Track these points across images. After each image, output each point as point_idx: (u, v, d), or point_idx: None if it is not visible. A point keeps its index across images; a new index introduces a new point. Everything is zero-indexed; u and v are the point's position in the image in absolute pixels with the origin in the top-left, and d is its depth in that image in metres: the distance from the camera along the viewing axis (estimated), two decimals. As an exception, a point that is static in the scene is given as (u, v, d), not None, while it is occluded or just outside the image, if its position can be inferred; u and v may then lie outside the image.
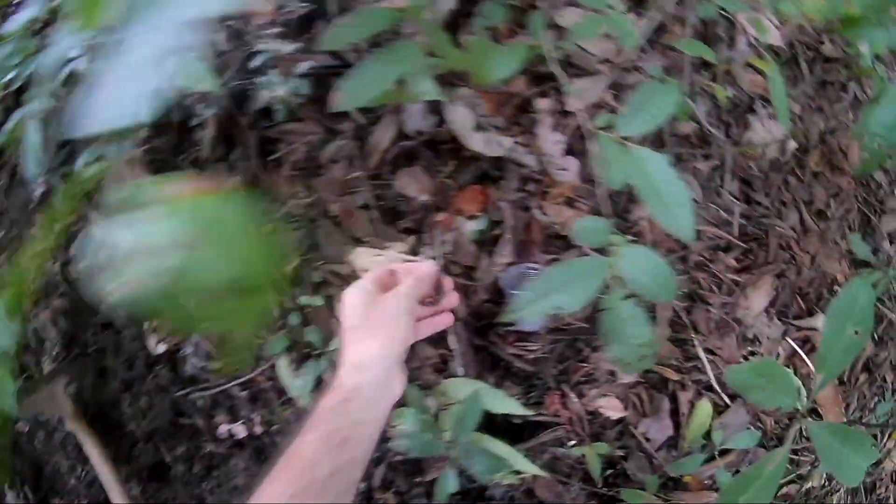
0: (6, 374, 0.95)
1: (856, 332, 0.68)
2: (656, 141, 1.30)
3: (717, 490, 1.21)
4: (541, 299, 0.75)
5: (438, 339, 1.18)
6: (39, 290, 1.37)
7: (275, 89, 1.16)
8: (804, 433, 1.18)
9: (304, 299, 1.18)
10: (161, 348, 1.30)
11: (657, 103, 0.82)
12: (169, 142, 1.31)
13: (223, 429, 1.28)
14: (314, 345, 1.16)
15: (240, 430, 1.26)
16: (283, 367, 1.19)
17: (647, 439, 1.21)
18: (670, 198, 0.79)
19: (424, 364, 1.18)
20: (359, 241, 1.20)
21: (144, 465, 1.37)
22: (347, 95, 0.87)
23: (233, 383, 1.25)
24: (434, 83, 0.98)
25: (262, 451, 1.26)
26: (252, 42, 1.19)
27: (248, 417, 1.26)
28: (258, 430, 1.25)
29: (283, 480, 0.58)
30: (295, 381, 1.17)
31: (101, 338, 1.38)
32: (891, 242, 1.37)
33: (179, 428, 1.34)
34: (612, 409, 1.20)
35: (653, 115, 0.82)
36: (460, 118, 1.18)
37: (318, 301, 1.17)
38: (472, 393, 1.09)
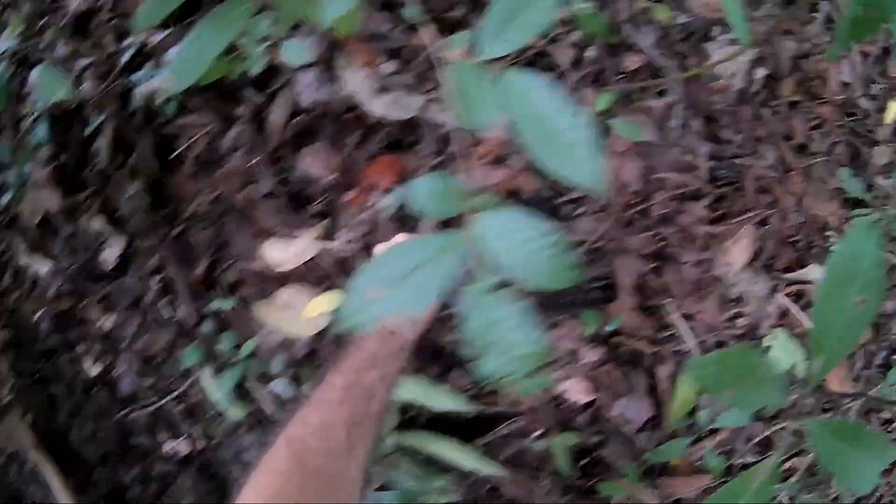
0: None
1: (861, 301, 0.51)
2: (597, 80, 1.15)
3: (709, 472, 1.07)
4: (374, 301, 0.55)
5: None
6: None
7: (152, 83, 1.06)
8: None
9: (216, 303, 1.09)
10: (95, 370, 1.25)
11: (528, 13, 0.65)
12: (73, 157, 1.23)
13: (167, 446, 1.22)
14: (230, 352, 1.08)
15: (182, 447, 1.20)
16: (207, 377, 1.11)
17: (626, 422, 1.08)
18: (565, 138, 0.62)
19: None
20: (269, 234, 1.09)
21: (104, 491, 1.33)
22: (177, 76, 0.76)
23: (167, 399, 1.18)
24: (306, 46, 0.86)
25: (208, 468, 1.19)
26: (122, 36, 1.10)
27: (188, 433, 1.19)
28: (200, 445, 1.18)
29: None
30: (217, 392, 1.09)
31: (43, 365, 1.33)
32: (886, 177, 1.17)
33: (129, 449, 1.28)
34: (578, 392, 1.07)
35: (522, 28, 0.64)
36: (357, 81, 1.06)
37: (231, 303, 1.08)
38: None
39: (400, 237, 0.80)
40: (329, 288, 1.06)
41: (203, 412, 1.16)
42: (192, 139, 1.15)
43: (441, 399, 1.02)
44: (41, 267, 1.28)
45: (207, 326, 1.09)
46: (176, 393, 1.17)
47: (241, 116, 1.12)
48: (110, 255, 1.19)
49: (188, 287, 1.11)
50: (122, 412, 1.25)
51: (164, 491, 1.27)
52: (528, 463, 1.07)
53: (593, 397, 1.07)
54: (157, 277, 1.14)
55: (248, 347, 1.04)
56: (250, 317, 1.08)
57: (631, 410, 1.08)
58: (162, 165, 1.16)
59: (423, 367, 1.08)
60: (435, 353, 1.09)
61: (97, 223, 1.21)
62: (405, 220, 1.08)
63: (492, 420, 1.08)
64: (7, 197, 1.29)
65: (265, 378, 1.08)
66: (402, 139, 1.09)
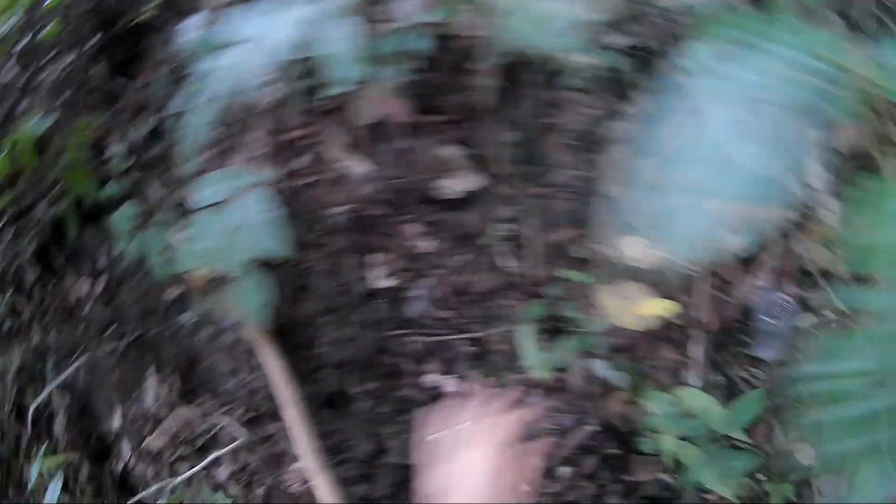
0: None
1: None
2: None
3: None
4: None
5: (679, 344, 1.21)
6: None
7: (579, 56, 1.13)
8: None
9: (566, 273, 1.17)
10: (385, 282, 1.27)
11: None
12: (440, 80, 1.26)
13: (430, 378, 1.26)
14: (569, 320, 1.16)
15: (449, 384, 1.25)
16: (527, 334, 1.18)
17: None
18: None
19: (661, 366, 1.20)
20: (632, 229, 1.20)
21: (324, 392, 1.34)
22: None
23: (461, 336, 1.24)
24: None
25: (466, 408, 1.25)
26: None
27: (464, 374, 1.25)
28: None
29: None
30: (537, 352, 1.17)
31: (312, 255, 1.32)
32: None
33: (376, 365, 1.31)
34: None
35: None
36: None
37: (579, 277, 1.17)
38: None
39: None
40: (667, 296, 1.18)
41: (492, 360, 1.23)
42: (574, 115, 1.23)
43: (728, 425, 1.16)
44: (355, 166, 1.29)
45: (554, 290, 1.17)
46: (473, 335, 1.23)
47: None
48: (456, 185, 1.23)
49: (542, 246, 1.19)
50: (394, 332, 1.28)
51: (396, 415, 1.30)
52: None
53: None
54: (507, 226, 1.20)
55: (584, 322, 1.14)
56: (590, 295, 1.18)
57: None
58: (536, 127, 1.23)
59: (709, 389, 1.22)
60: (721, 379, 1.23)
61: (449, 151, 1.25)
62: (744, 263, 1.22)
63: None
64: (338, 89, 1.29)
65: (585, 354, 1.17)
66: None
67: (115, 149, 1.63)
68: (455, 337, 1.24)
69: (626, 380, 1.18)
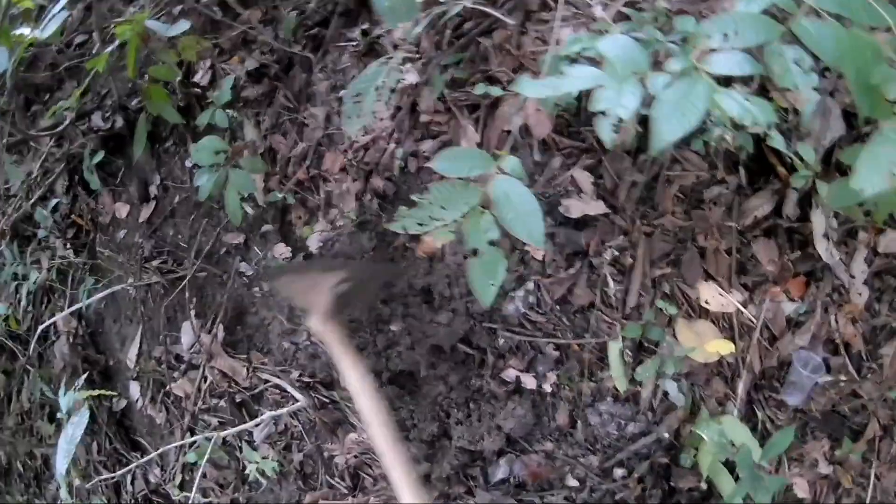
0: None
1: None
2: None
3: None
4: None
5: (728, 380, 1.40)
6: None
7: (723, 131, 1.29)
8: None
9: (659, 302, 1.32)
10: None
11: None
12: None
13: (512, 373, 1.36)
14: (653, 343, 1.31)
15: (529, 381, 1.35)
16: (615, 349, 1.32)
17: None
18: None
19: (712, 395, 1.38)
20: (711, 277, 1.37)
21: (393, 369, 1.39)
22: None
23: (549, 340, 1.34)
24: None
25: (537, 406, 1.36)
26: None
27: (543, 374, 1.35)
28: (548, 388, 1.35)
29: None
30: (621, 365, 1.30)
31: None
32: None
33: (454, 351, 1.38)
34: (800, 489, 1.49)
35: None
36: (820, 222, 1.42)
37: (668, 308, 1.32)
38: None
39: None
40: (728, 338, 1.37)
41: (573, 366, 1.35)
42: (684, 172, 1.38)
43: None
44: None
45: (649, 315, 1.31)
46: (561, 340, 1.34)
47: (728, 184, 1.39)
48: (578, 206, 1.33)
49: (642, 276, 1.33)
50: (486, 324, 1.36)
51: (466, 402, 1.39)
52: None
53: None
54: (615, 253, 1.33)
55: (666, 347, 1.29)
56: (674, 325, 1.33)
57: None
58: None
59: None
60: (750, 412, 1.44)
61: (579, 174, 1.35)
62: (791, 324, 1.43)
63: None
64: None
65: (660, 374, 1.32)
66: (817, 272, 1.46)
67: (221, 79, 1.56)
68: (543, 339, 1.34)
69: (685, 402, 1.35)
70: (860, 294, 1.46)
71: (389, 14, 1.25)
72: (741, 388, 1.39)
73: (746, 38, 0.86)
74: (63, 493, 1.44)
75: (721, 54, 0.85)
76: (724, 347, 1.36)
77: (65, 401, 1.36)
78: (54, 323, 1.74)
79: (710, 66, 0.85)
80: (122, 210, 1.71)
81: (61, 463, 1.36)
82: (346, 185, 1.42)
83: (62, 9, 1.38)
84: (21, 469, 1.93)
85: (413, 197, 1.00)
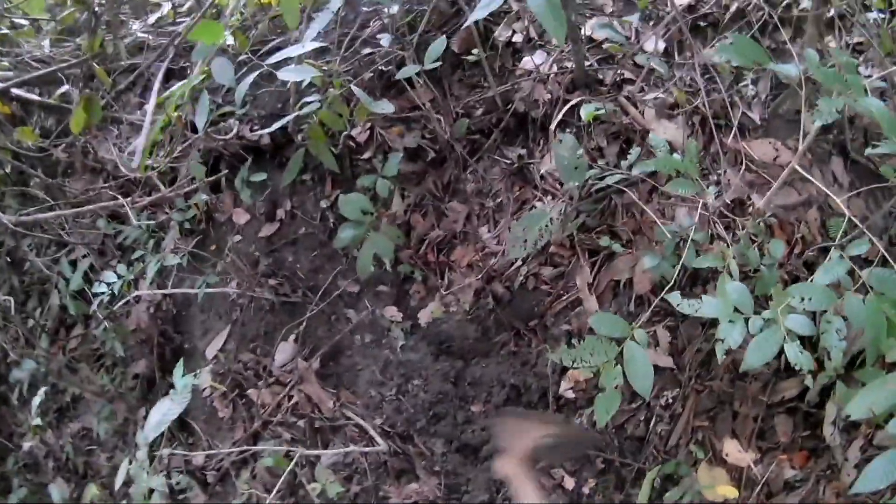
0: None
1: None
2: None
3: None
4: None
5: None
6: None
7: None
8: None
9: (693, 446, 1.67)
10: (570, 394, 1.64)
11: None
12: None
13: (559, 472, 1.66)
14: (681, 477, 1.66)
15: (569, 482, 1.66)
16: (651, 476, 1.65)
17: None
18: None
19: None
20: (735, 436, 1.74)
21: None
22: None
23: (599, 454, 1.65)
24: None
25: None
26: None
27: (586, 478, 1.66)
28: (586, 490, 1.66)
29: None
30: (653, 492, 1.64)
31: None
32: None
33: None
34: None
35: None
36: (832, 412, 1.82)
37: (699, 453, 1.68)
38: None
39: None
40: (736, 486, 1.74)
41: (612, 481, 1.67)
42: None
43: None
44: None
45: (682, 454, 1.65)
46: (609, 457, 1.65)
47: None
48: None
49: (686, 423, 1.67)
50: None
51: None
52: None
53: None
54: (669, 400, 1.66)
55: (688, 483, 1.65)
56: (695, 465, 1.68)
57: None
58: None
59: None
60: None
61: (658, 330, 1.67)
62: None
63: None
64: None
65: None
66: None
67: (377, 142, 1.74)
68: (594, 452, 1.65)
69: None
70: (849, 475, 1.86)
71: (565, 171, 1.52)
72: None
73: (815, 304, 1.26)
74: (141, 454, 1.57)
75: (795, 315, 1.26)
76: (730, 493, 1.73)
77: (181, 382, 1.52)
78: (137, 288, 1.85)
79: (786, 322, 1.25)
80: (241, 217, 1.85)
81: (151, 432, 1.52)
82: (469, 279, 1.67)
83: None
84: (44, 396, 2.00)
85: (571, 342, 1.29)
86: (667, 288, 1.38)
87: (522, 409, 1.67)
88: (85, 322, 2.10)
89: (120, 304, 1.87)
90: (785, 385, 1.74)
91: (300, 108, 1.59)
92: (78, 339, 2.14)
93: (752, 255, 1.50)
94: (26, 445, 2.31)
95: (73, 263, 2.04)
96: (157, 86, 1.61)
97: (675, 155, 1.62)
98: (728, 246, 1.56)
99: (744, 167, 1.63)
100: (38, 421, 2.02)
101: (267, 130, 1.63)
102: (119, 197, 1.71)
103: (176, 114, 1.62)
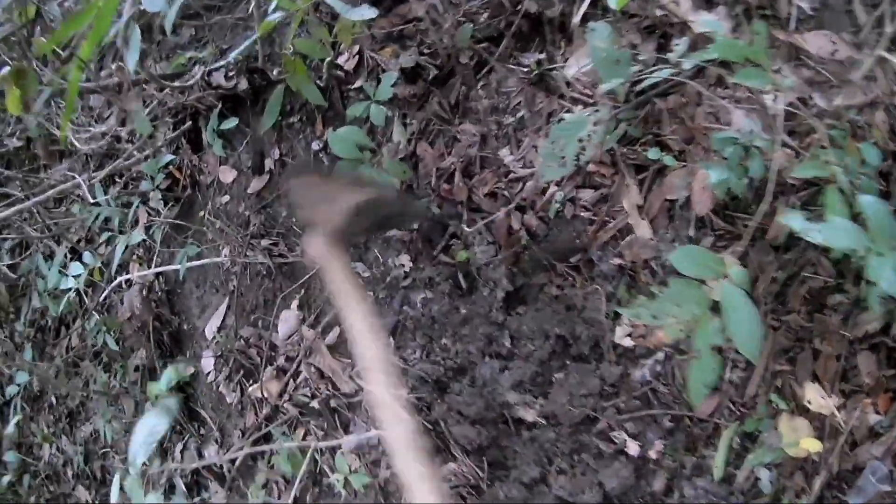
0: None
1: None
2: None
3: None
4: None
5: (808, 474, 1.47)
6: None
7: None
8: None
9: (773, 395, 1.37)
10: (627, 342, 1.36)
11: None
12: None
13: (622, 435, 1.38)
14: (760, 433, 1.37)
15: (633, 447, 1.38)
16: (728, 434, 1.36)
17: None
18: None
19: (792, 486, 1.45)
20: (817, 380, 1.43)
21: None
22: None
23: (666, 412, 1.37)
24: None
25: (638, 470, 1.39)
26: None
27: (652, 441, 1.39)
28: (653, 454, 1.39)
29: None
30: (726, 453, 1.35)
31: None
32: None
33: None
34: None
35: None
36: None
37: (780, 403, 1.38)
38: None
39: None
40: (819, 438, 1.44)
41: (682, 441, 1.38)
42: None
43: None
44: (640, 228, 1.37)
45: (762, 408, 1.36)
46: (679, 413, 1.37)
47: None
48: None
49: (763, 368, 1.37)
50: (606, 384, 1.37)
51: (571, 452, 1.40)
52: None
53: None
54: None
55: (769, 438, 1.35)
56: (778, 420, 1.39)
57: None
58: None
59: None
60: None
61: (725, 257, 1.37)
62: (872, 433, 1.52)
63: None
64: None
65: (759, 462, 1.38)
66: None
67: (367, 68, 1.48)
68: (660, 411, 1.37)
69: (771, 490, 1.42)
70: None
71: (604, 67, 1.22)
72: (817, 484, 1.47)
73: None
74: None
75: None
76: (813, 446, 1.43)
77: (165, 377, 1.30)
78: (127, 270, 1.64)
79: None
80: (228, 175, 1.61)
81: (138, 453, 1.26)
82: (495, 212, 1.39)
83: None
84: (53, 401, 1.85)
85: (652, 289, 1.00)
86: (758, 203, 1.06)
87: (327, 166, 1.33)
88: (83, 318, 1.91)
89: (108, 289, 1.66)
90: (867, 316, 1.42)
91: (266, 31, 1.33)
92: (77, 338, 1.96)
93: (852, 163, 1.19)
94: (46, 455, 2.17)
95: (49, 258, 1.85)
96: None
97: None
98: (797, 155, 1.25)
99: (799, 64, 1.32)
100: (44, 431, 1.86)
101: (223, 62, 1.36)
102: (76, 176, 1.48)
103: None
